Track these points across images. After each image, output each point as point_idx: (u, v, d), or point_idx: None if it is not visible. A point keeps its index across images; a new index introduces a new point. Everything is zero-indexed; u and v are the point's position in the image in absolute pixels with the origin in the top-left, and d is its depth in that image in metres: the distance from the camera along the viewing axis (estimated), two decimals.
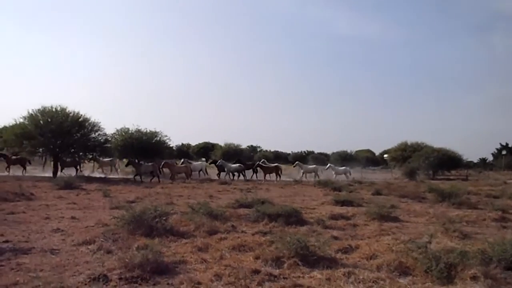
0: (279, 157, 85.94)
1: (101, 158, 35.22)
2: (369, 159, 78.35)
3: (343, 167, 40.89)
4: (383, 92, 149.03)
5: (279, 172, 35.03)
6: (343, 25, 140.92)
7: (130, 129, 36.38)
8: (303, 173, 37.31)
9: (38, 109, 29.56)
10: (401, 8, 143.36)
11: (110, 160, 36.64)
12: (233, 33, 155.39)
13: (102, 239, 8.63)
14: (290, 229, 10.74)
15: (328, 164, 40.00)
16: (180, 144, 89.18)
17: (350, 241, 9.45)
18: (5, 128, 34.73)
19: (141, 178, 29.19)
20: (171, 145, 40.75)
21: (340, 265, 7.34)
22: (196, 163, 34.15)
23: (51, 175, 29.43)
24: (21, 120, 29.53)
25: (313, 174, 37.18)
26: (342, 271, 6.88)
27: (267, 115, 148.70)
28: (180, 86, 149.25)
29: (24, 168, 31.81)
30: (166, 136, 37.50)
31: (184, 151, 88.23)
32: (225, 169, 34.77)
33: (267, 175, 34.94)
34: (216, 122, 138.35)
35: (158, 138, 36.84)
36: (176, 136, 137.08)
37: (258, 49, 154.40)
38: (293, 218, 11.81)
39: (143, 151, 34.92)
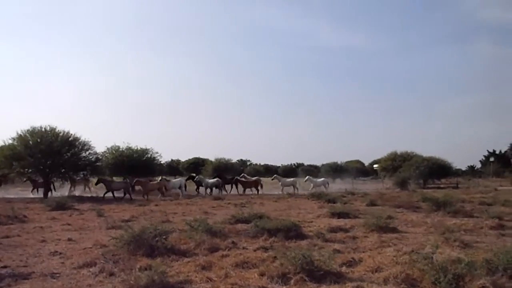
0: (269, 170, 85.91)
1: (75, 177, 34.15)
2: (359, 170, 78.84)
3: (322, 179, 40.63)
4: (370, 102, 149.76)
5: (259, 187, 35.02)
6: (327, 36, 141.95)
7: (121, 147, 36.28)
8: (282, 187, 36.93)
9: (28, 130, 29.35)
10: (385, 16, 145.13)
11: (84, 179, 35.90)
12: (220, 46, 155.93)
13: (102, 261, 8.48)
14: (290, 243, 10.70)
15: (307, 177, 39.80)
16: (170, 160, 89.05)
17: (353, 254, 9.41)
18: None
19: (113, 195, 28.69)
20: (161, 162, 40.68)
21: (347, 279, 7.29)
22: (175, 180, 33.63)
23: (40, 196, 29.12)
24: (10, 141, 29.27)
25: (291, 187, 36.81)
26: (350, 285, 6.85)
27: (256, 128, 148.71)
28: (168, 101, 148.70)
29: None
30: (157, 153, 37.50)
31: (174, 167, 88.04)
32: (203, 184, 34.75)
33: (248, 190, 35.12)
34: (205, 137, 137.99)
35: (149, 155, 36.75)
36: (166, 152, 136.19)
37: (247, 62, 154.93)
38: (293, 232, 11.72)
39: (134, 168, 34.77)
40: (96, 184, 32.01)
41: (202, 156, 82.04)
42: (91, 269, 8.01)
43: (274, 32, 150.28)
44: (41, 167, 29.10)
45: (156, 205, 23.11)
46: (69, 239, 11.66)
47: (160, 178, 32.11)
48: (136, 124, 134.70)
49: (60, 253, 9.74)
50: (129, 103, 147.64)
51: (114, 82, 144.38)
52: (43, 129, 29.39)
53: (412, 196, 26.88)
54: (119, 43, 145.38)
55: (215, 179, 35.33)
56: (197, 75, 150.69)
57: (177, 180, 33.30)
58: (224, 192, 34.64)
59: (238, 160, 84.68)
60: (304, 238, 11.57)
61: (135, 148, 36.26)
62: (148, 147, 36.71)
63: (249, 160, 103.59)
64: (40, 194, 30.57)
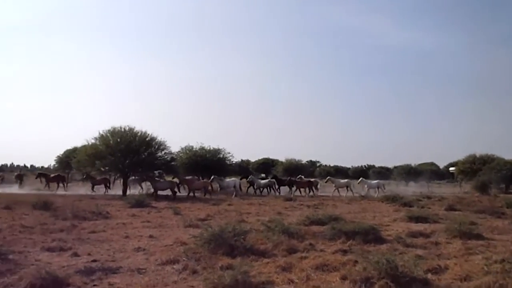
0: (340, 172, 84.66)
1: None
2: (433, 172, 75.56)
3: (376, 181, 39.27)
4: (440, 102, 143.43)
5: (313, 188, 34.82)
6: (393, 34, 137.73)
7: (194, 147, 37.21)
8: (335, 189, 36.20)
9: (108, 130, 30.87)
10: (453, 13, 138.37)
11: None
12: (291, 44, 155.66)
13: (185, 259, 8.71)
14: (369, 247, 10.45)
15: (360, 178, 38.64)
16: (240, 160, 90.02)
17: (437, 260, 8.99)
18: (78, 149, 36.42)
19: (156, 194, 28.82)
20: (233, 162, 41.32)
21: (435, 287, 6.98)
22: (229, 180, 33.52)
23: (118, 193, 30.58)
24: (93, 141, 30.95)
25: (345, 189, 35.86)
26: None
27: (326, 129, 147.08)
28: (239, 101, 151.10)
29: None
30: (229, 153, 38.13)
31: (244, 167, 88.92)
32: (255, 185, 34.88)
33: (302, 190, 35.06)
34: (276, 138, 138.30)
35: (221, 155, 37.42)
36: (237, 152, 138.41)
37: (317, 64, 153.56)
38: (371, 235, 11.45)
39: (207, 168, 35.55)
40: (142, 181, 32.42)
41: (272, 157, 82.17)
42: (174, 266, 8.25)
43: (344, 31, 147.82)
44: (121, 166, 30.44)
45: (229, 204, 23.41)
46: (151, 236, 12.08)
47: (212, 177, 32.50)
48: (207, 124, 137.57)
49: (144, 249, 10.10)
50: (203, 103, 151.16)
51: (186, 83, 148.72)
52: (122, 129, 30.77)
53: (495, 201, 25.35)
54: (202, 45, 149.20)
55: (267, 180, 35.46)
56: (271, 75, 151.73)
57: (231, 180, 33.34)
58: (276, 193, 34.61)
59: (307, 161, 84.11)
60: (383, 242, 11.25)
61: (208, 148, 37.09)
62: (220, 147, 37.50)
63: (318, 162, 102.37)
64: (99, 191, 32.03)
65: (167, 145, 32.80)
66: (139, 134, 30.90)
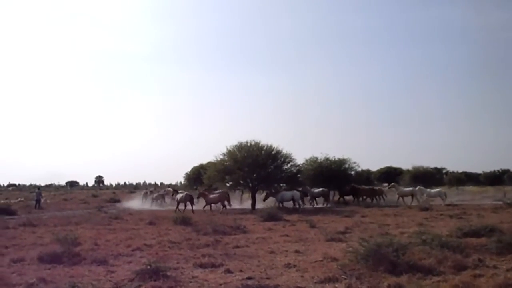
0: (470, 178, 78.41)
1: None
2: None
3: (437, 189, 34.72)
4: None
5: (376, 196, 33.99)
6: None
7: (319, 158, 36.70)
8: (398, 197, 33.52)
9: (235, 145, 31.60)
10: None
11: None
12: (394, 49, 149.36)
13: (344, 276, 8.08)
14: None
15: (418, 186, 34.52)
16: (360, 170, 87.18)
17: None
18: (205, 165, 37.84)
19: (210, 208, 28.90)
20: (358, 171, 39.99)
21: None
22: (287, 192, 31.27)
23: (244, 207, 31.01)
24: (221, 157, 31.84)
25: (410, 197, 32.99)
26: None
27: (452, 131, 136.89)
28: (353, 111, 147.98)
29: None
30: (354, 162, 37.02)
31: (365, 177, 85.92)
32: (308, 195, 33.26)
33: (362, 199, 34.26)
34: (395, 146, 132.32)
35: (346, 165, 36.45)
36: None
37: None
38: None
39: (333, 179, 34.81)
40: (198, 197, 30.99)
41: (394, 165, 78.35)
42: (336, 285, 7.64)
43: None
44: (248, 180, 30.91)
45: (363, 216, 22.42)
46: (296, 251, 11.63)
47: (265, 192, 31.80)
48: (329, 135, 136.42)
49: (294, 266, 9.65)
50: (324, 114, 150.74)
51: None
52: (248, 144, 31.28)
53: None
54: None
55: (321, 189, 33.80)
56: (379, 81, 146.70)
57: (288, 193, 30.95)
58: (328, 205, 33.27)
59: (431, 168, 78.91)
60: None
61: (333, 158, 36.31)
62: (345, 158, 36.54)
63: (444, 168, 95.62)
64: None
65: (293, 157, 32.73)
66: (265, 148, 31.19)
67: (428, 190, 34.47)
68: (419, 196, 32.87)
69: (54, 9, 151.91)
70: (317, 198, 34.10)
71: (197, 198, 30.36)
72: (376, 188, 35.75)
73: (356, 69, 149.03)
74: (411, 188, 34.42)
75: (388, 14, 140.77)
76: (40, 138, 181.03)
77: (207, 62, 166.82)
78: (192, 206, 28.85)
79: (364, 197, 34.59)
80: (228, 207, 29.14)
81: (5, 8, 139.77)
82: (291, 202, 29.83)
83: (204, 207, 29.21)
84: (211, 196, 29.83)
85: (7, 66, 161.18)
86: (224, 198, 29.25)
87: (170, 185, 70.47)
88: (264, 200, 31.37)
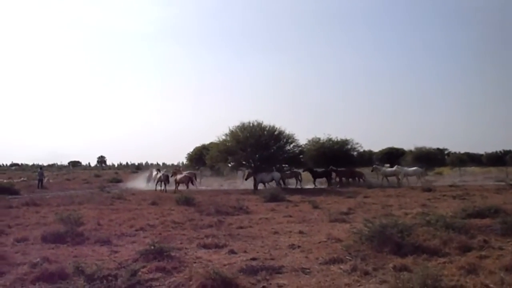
0: (472, 159, 78.37)
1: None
2: None
3: (413, 168, 34.76)
4: None
5: (355, 177, 34.47)
6: None
7: (321, 138, 36.56)
8: (382, 177, 33.66)
9: (238, 126, 31.47)
10: None
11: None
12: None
13: (348, 257, 8.03)
14: None
15: (395, 166, 34.98)
16: (362, 151, 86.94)
17: None
18: (208, 146, 37.78)
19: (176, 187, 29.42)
20: (360, 152, 39.84)
21: None
22: (267, 174, 31.16)
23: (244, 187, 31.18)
24: (223, 137, 31.73)
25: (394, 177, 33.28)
26: None
27: (452, 112, 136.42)
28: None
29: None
30: (357, 143, 36.86)
31: (366, 158, 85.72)
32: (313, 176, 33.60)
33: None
34: (398, 126, 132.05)
35: (349, 146, 36.31)
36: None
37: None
38: None
39: (335, 159, 34.72)
40: (171, 176, 31.53)
41: (396, 146, 78.16)
42: (341, 266, 7.58)
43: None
44: (250, 160, 30.85)
45: (365, 197, 22.39)
46: (300, 232, 11.58)
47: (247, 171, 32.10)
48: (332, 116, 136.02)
49: (299, 246, 9.61)
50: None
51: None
52: (251, 124, 31.15)
53: None
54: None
55: (322, 170, 34.38)
56: (380, 61, 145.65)
57: (268, 174, 30.91)
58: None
59: (434, 149, 78.63)
60: None
61: (335, 139, 36.16)
62: (348, 138, 36.37)
63: (446, 149, 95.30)
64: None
65: (295, 138, 32.65)
66: (267, 128, 31.07)
67: (405, 168, 34.95)
68: (401, 176, 33.31)
69: None
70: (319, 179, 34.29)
71: (171, 176, 30.97)
72: (356, 170, 35.54)
73: (356, 51, 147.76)
74: (394, 168, 34.60)
75: None
76: (43, 119, 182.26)
77: (209, 43, 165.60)
78: (165, 186, 29.66)
79: (343, 178, 34.64)
80: (195, 187, 29.78)
81: None
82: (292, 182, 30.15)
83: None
84: (178, 176, 30.24)
85: (8, 47, 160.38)
86: (189, 180, 29.59)
87: (172, 165, 70.50)
88: (246, 179, 31.70)
